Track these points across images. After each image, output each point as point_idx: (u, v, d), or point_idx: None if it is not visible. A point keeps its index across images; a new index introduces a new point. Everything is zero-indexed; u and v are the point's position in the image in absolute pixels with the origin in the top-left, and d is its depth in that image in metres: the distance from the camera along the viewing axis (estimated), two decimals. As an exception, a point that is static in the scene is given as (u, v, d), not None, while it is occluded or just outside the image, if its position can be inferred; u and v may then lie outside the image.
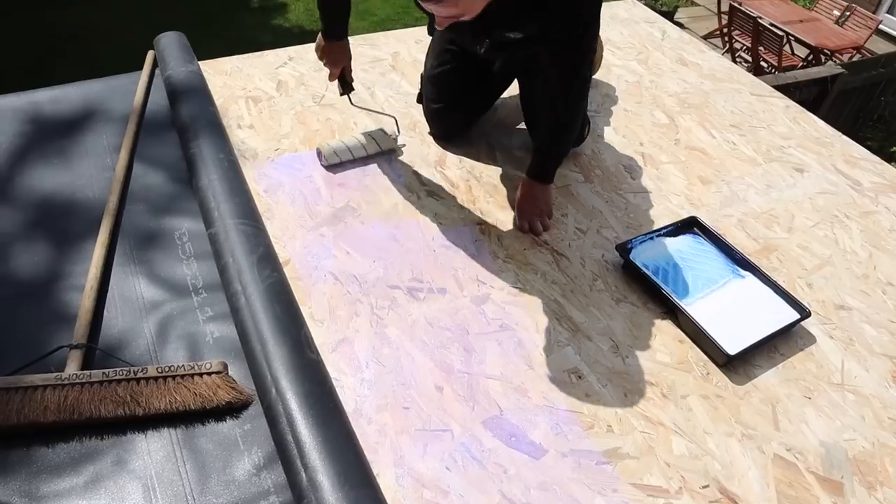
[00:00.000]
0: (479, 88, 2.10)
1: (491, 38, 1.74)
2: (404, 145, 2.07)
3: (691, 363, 1.52)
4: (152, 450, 1.21)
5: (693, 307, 1.60)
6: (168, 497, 1.15)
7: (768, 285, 1.69)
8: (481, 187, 1.94)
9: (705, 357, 1.53)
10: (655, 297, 1.66)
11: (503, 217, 1.84)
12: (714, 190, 2.04)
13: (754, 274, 1.72)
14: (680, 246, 1.79)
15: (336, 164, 1.95)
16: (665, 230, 1.81)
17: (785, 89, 3.69)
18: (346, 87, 1.99)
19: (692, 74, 2.61)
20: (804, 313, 1.61)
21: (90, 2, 6.89)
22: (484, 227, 1.80)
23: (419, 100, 2.18)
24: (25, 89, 2.09)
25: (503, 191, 1.94)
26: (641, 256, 1.73)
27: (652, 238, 1.79)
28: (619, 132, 2.24)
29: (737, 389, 1.47)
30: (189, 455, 1.21)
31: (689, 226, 1.85)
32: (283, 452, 1.16)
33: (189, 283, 1.52)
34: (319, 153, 1.95)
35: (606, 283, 1.69)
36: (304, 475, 1.11)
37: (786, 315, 1.61)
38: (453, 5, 1.40)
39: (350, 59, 1.95)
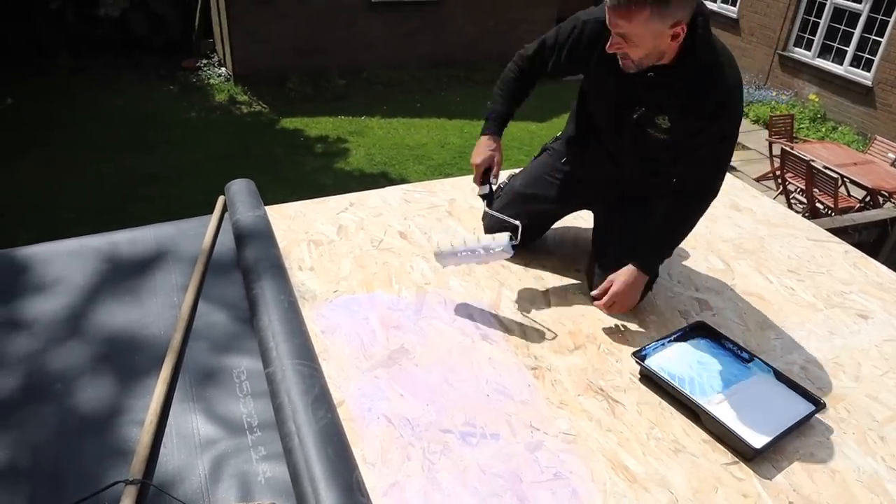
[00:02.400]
0: (548, 219, 2.30)
1: (638, 115, 1.93)
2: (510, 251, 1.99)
3: (757, 520, 1.44)
4: None
5: (714, 407, 1.67)
6: None
7: (782, 381, 1.78)
8: (535, 332, 1.95)
9: (771, 514, 1.46)
10: (676, 401, 1.73)
11: (557, 362, 1.84)
12: (774, 336, 2.01)
13: (766, 371, 1.81)
14: (691, 349, 1.88)
15: (450, 261, 2.01)
16: (675, 335, 1.91)
17: (843, 231, 3.68)
18: (485, 194, 2.08)
19: (746, 220, 2.63)
20: (819, 405, 1.70)
21: (169, 146, 7.41)
22: (538, 372, 1.79)
23: (487, 204, 2.23)
24: (105, 227, 2.23)
25: (557, 335, 1.94)
26: (656, 362, 1.81)
27: (664, 344, 1.87)
28: (673, 277, 2.24)
29: (808, 551, 1.39)
30: None
31: (697, 330, 1.95)
32: None
33: (245, 421, 1.54)
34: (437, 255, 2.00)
35: (664, 432, 1.64)
36: None
37: (802, 408, 1.70)
38: (627, 24, 1.66)
39: (501, 159, 2.09)
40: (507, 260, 2.24)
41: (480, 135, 2.09)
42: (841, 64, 9.37)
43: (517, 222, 2.00)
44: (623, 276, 1.96)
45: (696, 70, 1.78)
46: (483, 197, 2.09)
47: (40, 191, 6.29)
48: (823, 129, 9.15)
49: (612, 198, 2.19)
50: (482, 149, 2.06)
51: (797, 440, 1.65)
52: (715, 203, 2.68)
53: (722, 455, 1.59)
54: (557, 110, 8.85)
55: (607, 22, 1.72)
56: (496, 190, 2.21)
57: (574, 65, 1.99)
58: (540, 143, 2.37)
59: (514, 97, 2.13)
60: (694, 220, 2.01)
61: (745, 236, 2.53)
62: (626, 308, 1.99)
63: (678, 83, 1.81)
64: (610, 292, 1.95)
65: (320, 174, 7.09)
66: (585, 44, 1.92)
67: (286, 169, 7.11)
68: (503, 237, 1.95)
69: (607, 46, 1.76)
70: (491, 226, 2.22)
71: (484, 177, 2.07)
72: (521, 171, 2.37)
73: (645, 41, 1.70)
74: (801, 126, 9.07)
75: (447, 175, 6.50)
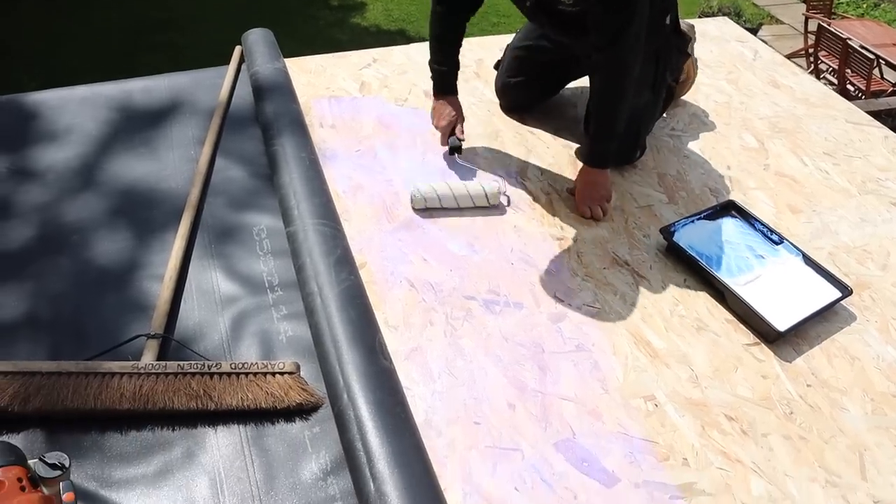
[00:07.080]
0: (555, 71, 2.19)
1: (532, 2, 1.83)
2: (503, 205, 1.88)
3: (774, 401, 1.44)
4: (221, 445, 1.21)
5: (740, 288, 1.64)
6: (235, 494, 1.15)
7: (810, 265, 1.74)
8: (562, 202, 1.89)
9: (789, 395, 1.46)
10: (702, 279, 1.70)
11: (584, 233, 1.80)
12: (804, 220, 1.95)
13: (794, 254, 1.78)
14: (721, 228, 1.84)
15: (422, 209, 1.82)
16: (705, 213, 1.86)
17: (877, 116, 3.53)
18: (456, 147, 1.95)
19: (784, 98, 2.51)
20: (846, 291, 1.67)
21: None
22: (563, 243, 1.76)
23: (496, 67, 2.27)
24: (112, 78, 2.13)
25: (584, 206, 1.89)
26: (685, 239, 1.77)
27: (693, 221, 1.83)
28: (705, 153, 2.16)
29: (822, 432, 1.39)
30: (257, 454, 1.20)
31: (728, 209, 1.90)
32: (353, 460, 1.15)
33: (265, 279, 1.52)
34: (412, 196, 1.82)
35: (688, 310, 1.63)
36: (372, 486, 1.09)
37: (829, 293, 1.67)
38: None
39: (463, 118, 1.99)
40: (536, 128, 2.17)
41: (434, 97, 2.00)
42: (891, -66, 8.78)
43: (497, 179, 1.93)
44: (580, 183, 1.88)
45: None
46: (454, 150, 1.96)
47: (44, 36, 6.06)
48: (864, 6, 8.69)
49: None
50: (442, 112, 1.96)
51: (820, 325, 1.63)
52: (752, 78, 2.59)
53: (744, 336, 1.58)
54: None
55: None
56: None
57: None
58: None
59: (448, 47, 1.99)
60: (617, 101, 1.80)
61: (781, 115, 2.42)
62: (606, 201, 1.87)
63: None
64: (579, 204, 1.86)
65: (335, 29, 6.82)
66: None
67: (299, 22, 6.83)
68: (494, 188, 1.83)
69: None
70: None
71: (451, 135, 1.97)
72: (520, 29, 2.24)
73: None
74: (841, 2, 8.61)
75: (470, 35, 6.23)
